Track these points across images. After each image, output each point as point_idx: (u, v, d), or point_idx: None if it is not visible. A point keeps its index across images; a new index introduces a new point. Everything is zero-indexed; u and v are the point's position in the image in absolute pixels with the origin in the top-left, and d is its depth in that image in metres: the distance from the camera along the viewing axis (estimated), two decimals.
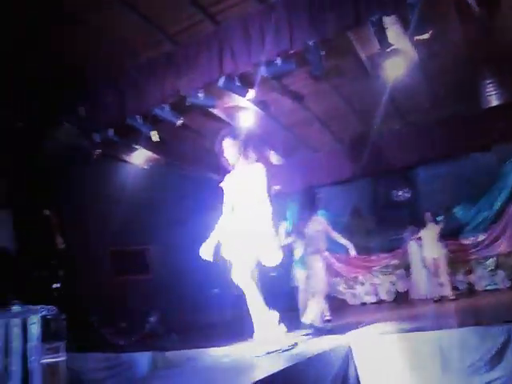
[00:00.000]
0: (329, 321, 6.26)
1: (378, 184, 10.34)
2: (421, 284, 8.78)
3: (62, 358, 4.39)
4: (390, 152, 9.09)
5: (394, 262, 9.45)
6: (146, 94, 6.32)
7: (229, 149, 3.99)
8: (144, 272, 8.69)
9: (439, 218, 8.13)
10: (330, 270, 7.59)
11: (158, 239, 8.58)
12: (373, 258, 9.65)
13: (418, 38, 5.32)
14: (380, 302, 9.37)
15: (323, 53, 5.50)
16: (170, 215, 8.41)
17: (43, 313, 4.02)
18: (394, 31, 5.63)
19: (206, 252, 3.94)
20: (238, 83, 6.09)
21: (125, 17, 5.64)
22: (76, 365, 5.09)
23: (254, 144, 4.16)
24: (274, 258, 3.75)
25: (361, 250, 8.67)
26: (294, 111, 8.17)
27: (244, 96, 6.47)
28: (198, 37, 6.03)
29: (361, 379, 3.62)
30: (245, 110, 7.60)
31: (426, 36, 5.20)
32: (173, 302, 7.69)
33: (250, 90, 6.36)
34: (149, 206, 8.21)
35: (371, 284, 9.68)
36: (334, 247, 6.74)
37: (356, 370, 3.61)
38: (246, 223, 3.82)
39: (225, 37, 5.83)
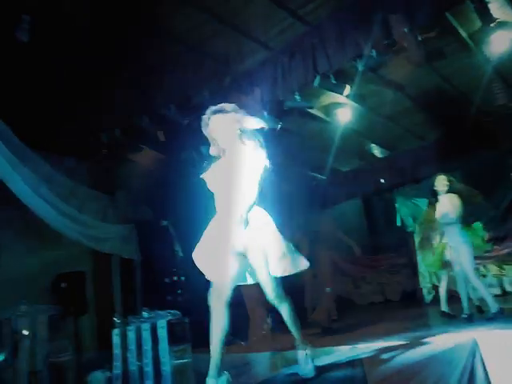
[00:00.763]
0: (335, 320, 6.05)
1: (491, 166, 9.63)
2: None
3: (188, 359, 4.68)
4: (501, 131, 8.43)
5: None
6: (246, 103, 6.50)
7: (219, 127, 3.17)
8: None
9: None
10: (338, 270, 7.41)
11: None
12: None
13: None
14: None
15: (421, 38, 5.30)
16: (276, 216, 8.57)
17: (169, 317, 4.33)
18: (497, 3, 5.26)
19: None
20: (333, 81, 6.06)
21: (217, 31, 5.86)
22: (201, 366, 5.36)
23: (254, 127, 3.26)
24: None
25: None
26: (393, 101, 7.92)
27: (341, 93, 6.41)
28: (291, 40, 6.10)
29: (489, 374, 3.42)
30: (343, 106, 7.54)
31: None
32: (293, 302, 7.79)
33: (346, 85, 6.29)
34: None
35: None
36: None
37: (484, 365, 3.42)
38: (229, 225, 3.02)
39: (317, 36, 5.83)
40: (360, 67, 5.71)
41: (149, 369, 4.43)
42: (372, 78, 6.97)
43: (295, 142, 8.61)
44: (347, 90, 6.35)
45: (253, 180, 3.07)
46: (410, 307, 7.79)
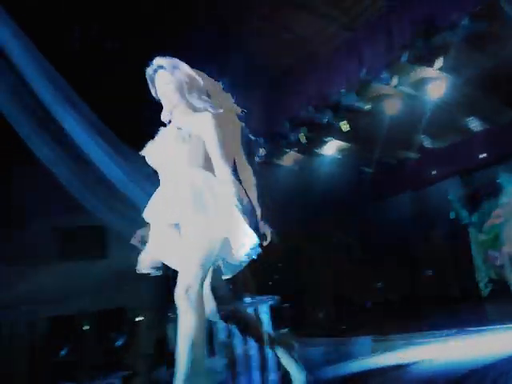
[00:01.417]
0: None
1: None
2: None
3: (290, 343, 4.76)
4: None
5: None
6: (330, 83, 6.44)
7: (162, 88, 2.59)
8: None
9: None
10: None
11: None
12: None
13: None
14: None
15: None
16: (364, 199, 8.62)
17: (270, 302, 4.43)
18: None
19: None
20: (423, 54, 5.81)
21: (298, 17, 5.85)
22: (302, 349, 5.42)
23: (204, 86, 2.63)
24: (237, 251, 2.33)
25: None
26: (491, 71, 7.41)
27: (432, 66, 6.14)
28: (374, 17, 5.95)
29: None
30: (435, 80, 7.19)
31: None
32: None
33: (437, 58, 6.01)
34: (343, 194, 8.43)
35: None
36: None
37: None
38: (177, 204, 2.38)
39: (406, 7, 5.63)
40: (452, 38, 5.44)
41: (254, 353, 4.55)
42: (464, 48, 6.58)
43: (382, 123, 8.39)
44: (439, 62, 6.07)
45: (214, 146, 2.42)
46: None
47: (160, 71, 2.58)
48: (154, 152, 2.57)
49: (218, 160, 2.39)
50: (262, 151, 6.17)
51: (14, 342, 5.84)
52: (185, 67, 2.60)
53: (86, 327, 5.33)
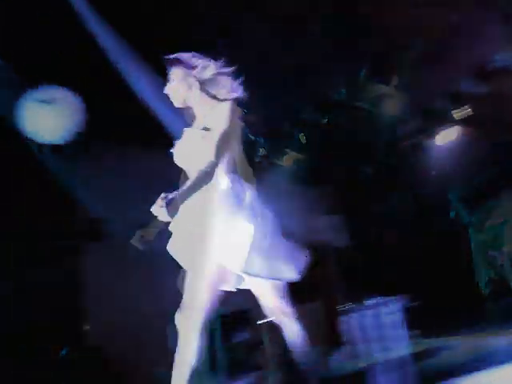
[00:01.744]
0: None
1: None
2: None
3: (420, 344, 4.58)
4: None
5: None
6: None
7: (176, 86, 2.52)
8: None
9: None
10: None
11: None
12: None
13: None
14: None
15: None
16: None
17: (398, 303, 4.30)
18: None
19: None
20: None
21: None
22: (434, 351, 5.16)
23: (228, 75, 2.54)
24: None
25: None
26: None
27: None
28: None
29: None
30: None
31: None
32: None
33: None
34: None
35: None
36: None
37: None
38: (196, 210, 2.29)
39: None
40: None
41: (382, 355, 4.45)
42: None
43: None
44: None
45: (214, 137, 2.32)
46: None
47: (173, 69, 2.53)
48: (180, 152, 2.51)
49: (210, 149, 2.28)
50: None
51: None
52: (185, 57, 2.52)
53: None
